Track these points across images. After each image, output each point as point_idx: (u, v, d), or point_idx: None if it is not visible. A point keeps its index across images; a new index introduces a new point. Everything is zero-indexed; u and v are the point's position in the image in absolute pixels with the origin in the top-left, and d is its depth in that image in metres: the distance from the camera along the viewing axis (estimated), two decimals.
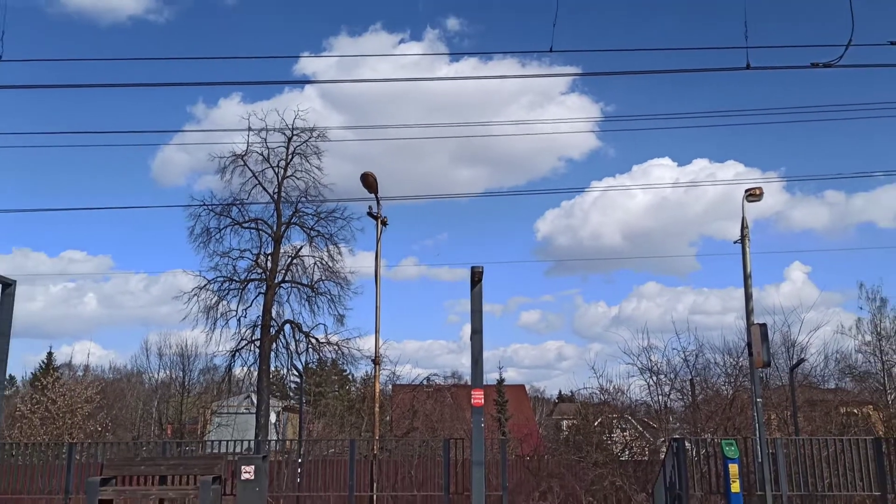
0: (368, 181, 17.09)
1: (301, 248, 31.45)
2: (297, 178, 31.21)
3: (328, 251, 31.00)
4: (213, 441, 19.73)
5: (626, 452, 22.76)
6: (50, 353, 54.51)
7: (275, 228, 30.85)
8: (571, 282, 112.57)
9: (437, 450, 16.81)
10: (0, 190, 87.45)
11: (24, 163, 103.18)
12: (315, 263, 31.05)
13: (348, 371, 43.29)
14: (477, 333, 14.14)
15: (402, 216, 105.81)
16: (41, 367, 51.59)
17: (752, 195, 16.65)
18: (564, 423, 36.91)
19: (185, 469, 15.69)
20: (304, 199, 31.12)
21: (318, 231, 31.06)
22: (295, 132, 31.03)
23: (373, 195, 17.38)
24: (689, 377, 23.04)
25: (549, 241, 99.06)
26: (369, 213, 17.48)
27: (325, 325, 31.15)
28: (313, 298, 30.74)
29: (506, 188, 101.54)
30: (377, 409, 18.37)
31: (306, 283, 30.98)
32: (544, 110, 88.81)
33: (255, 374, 30.48)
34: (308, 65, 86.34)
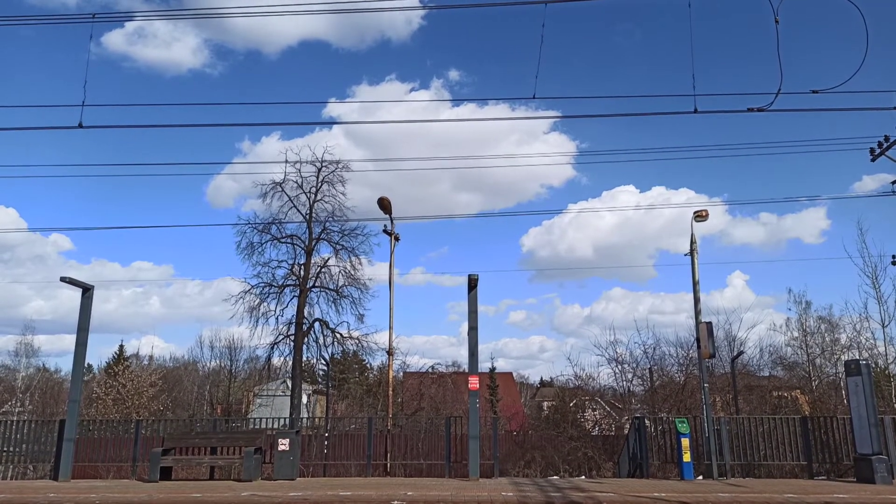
0: (384, 204, 17.15)
1: (328, 259, 31.15)
2: (325, 202, 30.97)
3: (351, 262, 30.66)
4: (254, 419, 19.63)
5: (597, 428, 22.66)
6: (121, 346, 54.36)
7: (307, 243, 30.68)
8: (551, 287, 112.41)
9: (440, 426, 16.71)
10: (83, 211, 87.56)
11: (102, 190, 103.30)
12: (340, 272, 30.72)
13: (367, 361, 43.13)
14: (473, 330, 14.22)
15: (411, 233, 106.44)
16: (114, 357, 51.44)
17: (700, 216, 16.64)
18: (545, 404, 36.70)
19: (232, 442, 15.59)
20: (331, 219, 30.86)
21: (343, 245, 30.79)
22: (324, 164, 30.89)
23: (387, 216, 17.47)
24: (649, 366, 23.02)
25: (532, 254, 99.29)
26: (384, 231, 17.57)
27: (347, 322, 31.73)
28: (338, 301, 30.37)
29: (497, 210, 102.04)
30: (391, 393, 18.33)
31: (332, 288, 30.60)
32: (530, 146, 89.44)
33: (290, 363, 30.27)
34: (335, 108, 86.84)
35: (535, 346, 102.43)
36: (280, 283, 30.37)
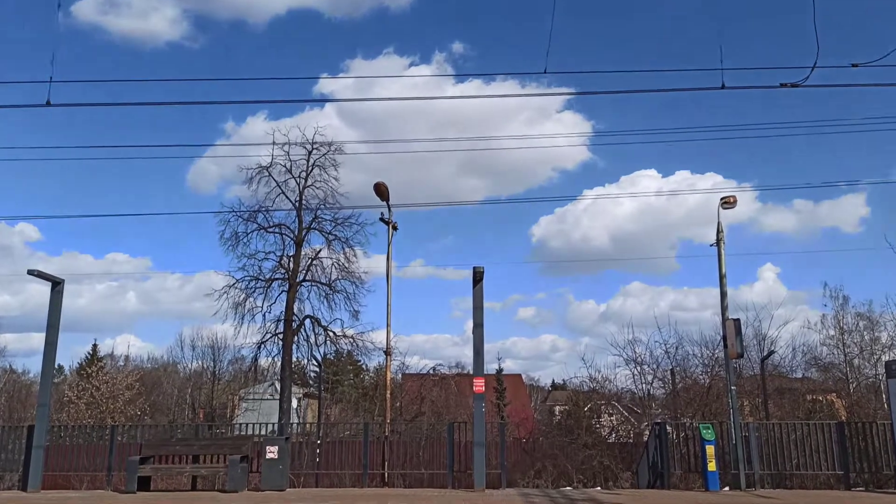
0: (380, 190, 17.09)
1: (320, 250, 31.40)
2: (317, 188, 31.16)
3: (344, 253, 30.88)
4: (240, 424, 19.73)
5: (613, 435, 22.70)
6: (95, 345, 54.63)
7: (296, 233, 30.81)
8: (563, 281, 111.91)
9: (442, 432, 16.77)
10: (52, 198, 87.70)
11: (72, 174, 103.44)
12: (333, 264, 30.94)
13: (362, 361, 43.32)
14: (478, 327, 14.24)
15: (411, 222, 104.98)
16: (87, 357, 51.66)
17: (727, 203, 16.60)
18: (557, 408, 36.79)
19: (216, 449, 15.65)
20: (322, 206, 31.04)
21: (336, 235, 30.95)
22: (314, 146, 31.03)
23: (384, 202, 17.38)
24: (670, 367, 23.02)
25: (543, 245, 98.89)
26: (381, 219, 17.46)
27: (341, 319, 31.08)
28: (331, 296, 30.61)
29: (505, 196, 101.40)
30: (388, 396, 18.32)
31: (325, 282, 30.80)
32: (541, 126, 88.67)
33: (279, 364, 30.52)
34: (327, 85, 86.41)
35: (547, 345, 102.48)
36: (267, 276, 30.53)
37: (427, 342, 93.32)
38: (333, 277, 30.73)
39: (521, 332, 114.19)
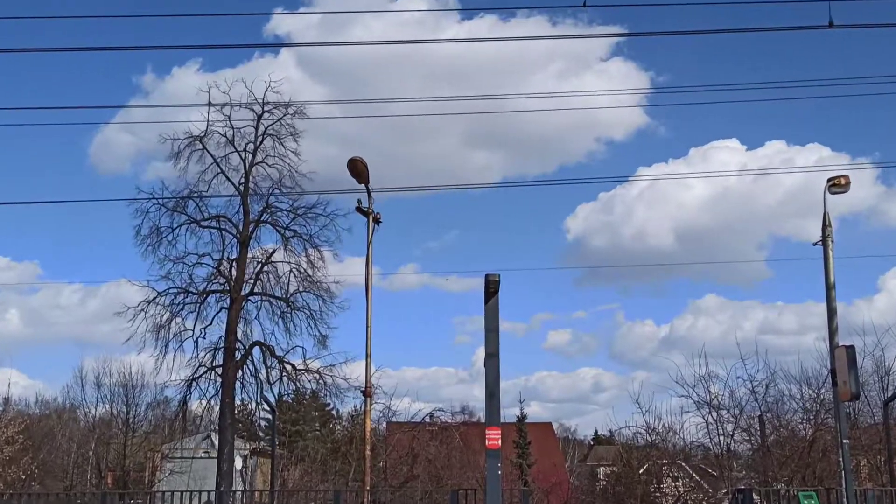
0: (357, 169, 16.96)
1: (273, 251, 31.38)
2: (269, 166, 31.17)
3: (307, 256, 30.89)
4: (164, 493, 19.68)
5: None
6: None
7: (241, 228, 30.76)
8: (610, 294, 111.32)
9: (443, 503, 16.70)
10: None
11: None
12: (291, 271, 30.95)
13: (332, 405, 43.46)
14: (492, 358, 13.87)
15: (400, 212, 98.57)
16: None
17: (837, 185, 16.56)
18: (602, 470, 36.80)
19: None
20: (277, 190, 31.04)
21: (295, 231, 30.96)
22: (266, 108, 30.96)
23: (363, 186, 17.23)
24: (758, 413, 22.85)
25: (582, 243, 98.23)
26: (359, 209, 17.33)
27: (302, 347, 30.84)
28: (288, 315, 30.65)
29: (530, 177, 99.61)
30: (368, 453, 18.10)
31: (280, 295, 30.84)
32: (579, 80, 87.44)
33: (217, 408, 30.35)
34: (282, 24, 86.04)
35: (587, 383, 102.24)
36: (201, 287, 30.58)
37: (422, 378, 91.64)
38: (292, 289, 30.83)
39: (553, 365, 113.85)
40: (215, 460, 30.11)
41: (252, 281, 30.99)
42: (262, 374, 30.44)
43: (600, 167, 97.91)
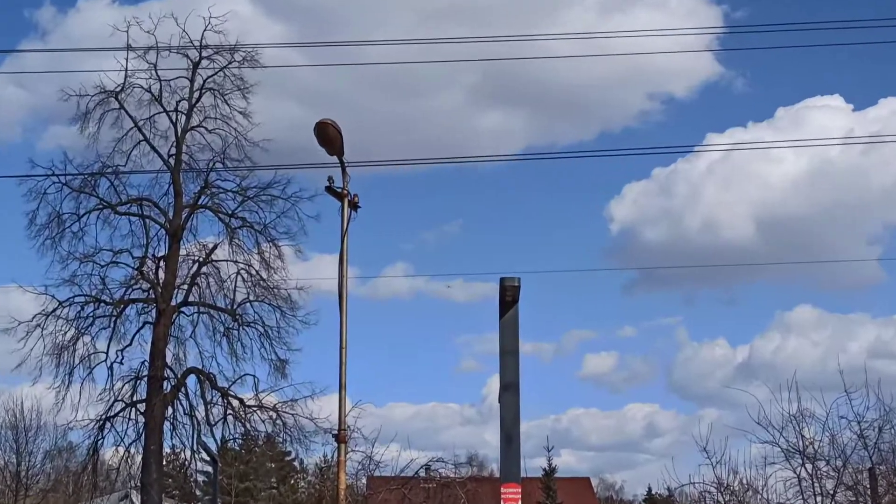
0: (328, 135, 14.23)
1: (215, 247, 27.27)
2: (209, 131, 26.96)
3: (260, 253, 26.91)
4: None
5: None
6: None
7: (171, 215, 26.57)
8: (669, 304, 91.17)
9: None
10: None
11: None
12: (238, 273, 26.83)
13: (294, 454, 38.44)
14: (510, 390, 11.62)
15: (386, 194, 77.85)
16: None
17: None
18: None
19: None
20: (219, 164, 26.92)
21: (244, 219, 26.96)
22: (205, 54, 26.67)
23: (336, 158, 14.59)
24: (868, 465, 20.22)
25: (630, 237, 78.05)
26: (330, 189, 14.60)
27: (254, 376, 26.62)
28: (235, 332, 26.41)
29: (559, 146, 75.54)
30: None
31: (224, 306, 26.71)
32: (624, 16, 72.51)
33: (139, 458, 25.99)
34: None
35: (637, 423, 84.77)
36: (117, 295, 26.09)
37: (416, 418, 75.03)
38: (240, 298, 26.74)
39: (592, 400, 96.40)
40: None
41: (186, 287, 26.77)
42: (200, 412, 26.14)
43: (656, 133, 78.52)
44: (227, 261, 27.21)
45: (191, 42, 26.59)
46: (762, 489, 20.79)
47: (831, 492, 20.08)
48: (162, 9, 29.58)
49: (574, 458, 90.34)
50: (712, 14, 71.09)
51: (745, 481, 20.75)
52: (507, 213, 78.86)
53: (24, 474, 38.60)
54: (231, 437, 27.23)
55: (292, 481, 41.38)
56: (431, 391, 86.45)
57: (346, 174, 14.65)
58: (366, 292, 62.92)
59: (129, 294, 26.67)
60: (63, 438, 34.31)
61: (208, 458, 26.08)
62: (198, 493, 37.46)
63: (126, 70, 26.46)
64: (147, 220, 26.92)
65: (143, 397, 25.89)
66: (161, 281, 26.46)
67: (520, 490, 11.52)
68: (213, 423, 26.04)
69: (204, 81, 26.98)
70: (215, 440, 26.22)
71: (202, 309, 26.98)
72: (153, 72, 26.75)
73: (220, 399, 26.22)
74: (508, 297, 11.62)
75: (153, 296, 26.39)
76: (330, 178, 14.51)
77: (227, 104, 26.95)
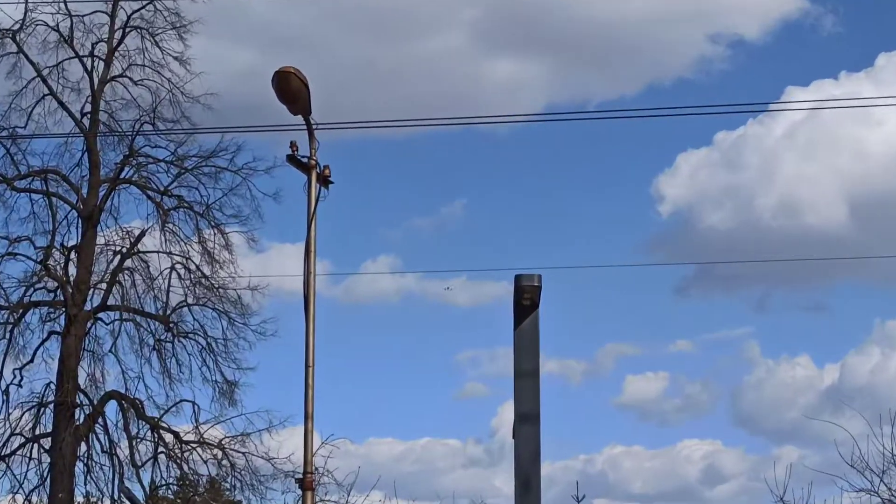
0: (292, 88, 12.22)
1: (143, 234, 22.92)
2: (135, 83, 22.66)
3: (201, 241, 22.86)
4: None
5: None
6: None
7: (85, 192, 22.51)
8: (736, 311, 70.06)
9: None
10: None
11: None
12: (173, 268, 22.73)
13: (246, 503, 33.39)
14: (529, 423, 9.81)
15: (366, 166, 61.05)
16: None
17: None
18: None
19: None
20: (148, 126, 22.59)
21: (181, 198, 22.80)
22: None
23: (300, 118, 12.62)
24: None
25: (685, 222, 58.67)
26: (293, 159, 12.54)
27: (194, 403, 22.48)
28: (169, 345, 22.47)
29: (591, 104, 59.51)
30: None
31: (154, 310, 22.62)
32: None
33: None
34: None
35: (694, 465, 68.92)
36: (14, 298, 22.06)
37: (404, 458, 61.04)
38: (175, 301, 22.69)
39: (634, 435, 74.46)
40: None
41: (105, 286, 22.63)
42: (123, 450, 21.98)
43: (719, 87, 60.37)
44: (158, 252, 22.98)
45: None
46: None
47: None
48: None
49: None
50: None
51: None
52: (524, 191, 65.00)
53: None
54: (163, 482, 22.70)
55: None
56: (425, 423, 62.01)
57: (314, 139, 12.66)
58: (340, 294, 50.84)
59: (31, 296, 22.47)
60: None
61: None
62: None
63: (26, 2, 22.31)
64: (54, 199, 22.65)
65: (49, 430, 21.93)
66: (72, 278, 22.37)
67: None
68: (139, 463, 22.13)
69: (128, 18, 22.84)
70: (142, 486, 22.08)
71: (126, 315, 22.71)
72: (62, 5, 22.56)
73: (148, 433, 22.24)
74: (526, 301, 9.76)
75: (62, 298, 22.34)
76: (293, 145, 12.45)
77: (159, 47, 22.86)
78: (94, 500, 22.63)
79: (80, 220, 22.76)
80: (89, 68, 22.94)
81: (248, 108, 39.62)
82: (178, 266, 23.15)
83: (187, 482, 23.55)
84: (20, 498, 22.26)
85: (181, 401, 22.78)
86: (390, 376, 63.27)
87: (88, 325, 22.52)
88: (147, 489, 22.36)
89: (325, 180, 12.47)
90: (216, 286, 22.91)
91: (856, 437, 17.38)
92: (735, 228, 57.19)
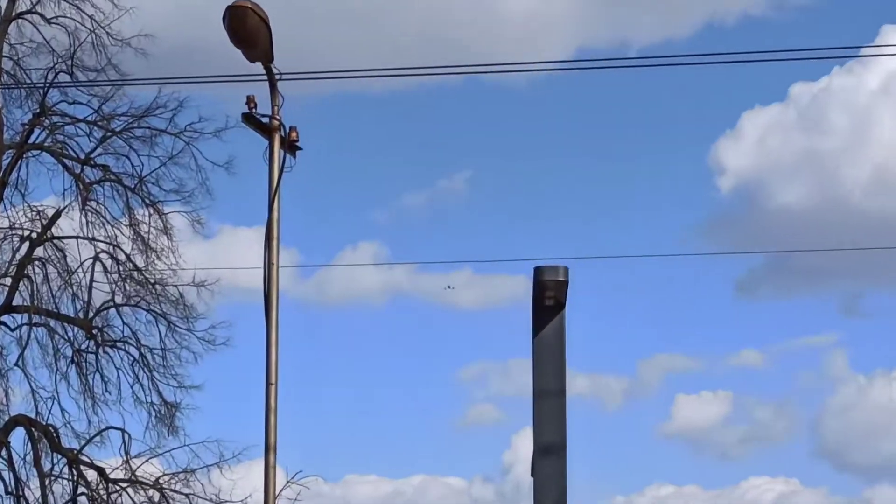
0: (248, 29, 10.45)
1: (58, 214, 19.19)
2: (49, 21, 18.75)
3: (133, 224, 19.44)
4: None
5: None
6: None
7: None
8: (818, 313, 58.44)
9: None
10: None
11: None
12: (97, 259, 19.24)
13: None
14: (551, 455, 8.76)
15: (345, 128, 55.71)
16: None
17: None
18: None
19: None
20: (65, 76, 18.95)
21: (107, 168, 19.23)
22: None
23: (259, 66, 10.75)
24: None
25: (749, 198, 52.63)
26: (250, 119, 10.59)
27: (123, 430, 19.09)
28: (92, 357, 19.08)
29: (633, 49, 52.25)
30: None
31: (73, 313, 19.11)
32: None
33: None
34: None
35: None
36: None
37: (392, 499, 55.99)
38: (99, 301, 19.28)
39: (687, 470, 64.94)
40: None
41: (9, 281, 19.05)
42: (33, 489, 18.49)
43: (794, 28, 51.90)
44: (77, 238, 19.31)
45: None
46: None
47: None
48: None
49: None
50: None
51: None
52: (544, 162, 53.97)
53: None
54: None
55: None
56: (419, 457, 58.19)
57: (276, 93, 10.75)
58: (311, 291, 44.02)
59: None
60: None
61: None
62: None
63: None
64: None
65: None
66: None
67: None
68: None
69: None
70: None
71: (36, 318, 19.01)
72: None
73: (65, 469, 18.60)
74: (549, 300, 8.66)
75: None
76: (250, 101, 10.44)
77: None
78: None
79: None
80: None
81: (193, 53, 33.77)
82: (102, 256, 19.59)
83: None
84: None
85: (107, 428, 19.23)
86: (375, 397, 53.69)
87: None
88: None
89: (291, 146, 10.73)
90: (152, 282, 19.51)
91: None
92: (816, 208, 48.22)
